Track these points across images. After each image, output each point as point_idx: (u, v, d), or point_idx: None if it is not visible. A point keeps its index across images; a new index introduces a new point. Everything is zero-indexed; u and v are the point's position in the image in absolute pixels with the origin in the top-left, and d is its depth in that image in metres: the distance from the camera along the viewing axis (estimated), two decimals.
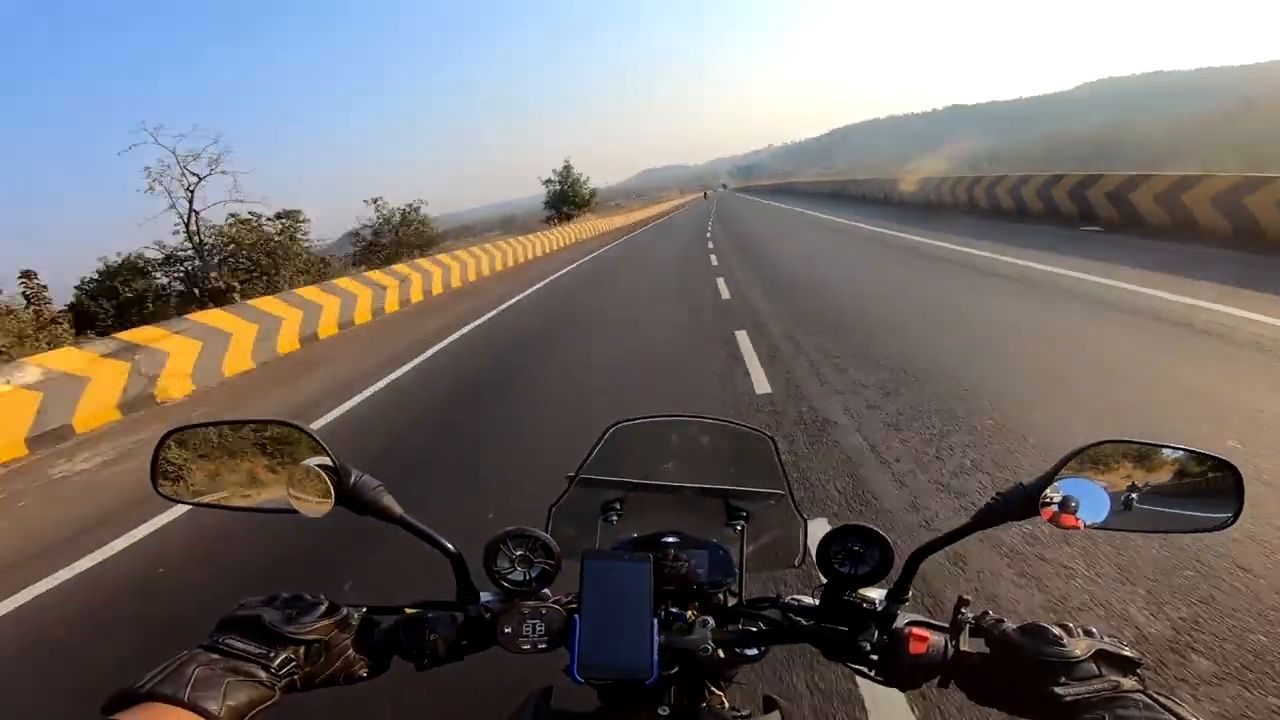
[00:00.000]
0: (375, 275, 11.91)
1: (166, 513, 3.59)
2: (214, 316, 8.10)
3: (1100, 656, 0.54)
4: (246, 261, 17.75)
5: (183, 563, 3.12)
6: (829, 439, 3.45)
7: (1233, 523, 0.61)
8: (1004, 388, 3.88)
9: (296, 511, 0.63)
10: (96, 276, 17.63)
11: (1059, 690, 0.52)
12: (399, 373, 6.55)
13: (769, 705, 0.77)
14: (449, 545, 0.67)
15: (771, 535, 0.87)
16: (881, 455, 3.19)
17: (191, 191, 17.50)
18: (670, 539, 0.77)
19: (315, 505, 0.63)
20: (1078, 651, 0.54)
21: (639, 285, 11.20)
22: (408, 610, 0.68)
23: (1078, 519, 0.59)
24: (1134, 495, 0.60)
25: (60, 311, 14.65)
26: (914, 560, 0.67)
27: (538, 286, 12.50)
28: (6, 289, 13.59)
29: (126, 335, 6.98)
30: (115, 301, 16.93)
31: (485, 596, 0.69)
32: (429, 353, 7.38)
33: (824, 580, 0.69)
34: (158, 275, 18.10)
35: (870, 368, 4.55)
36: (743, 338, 5.84)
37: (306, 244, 19.17)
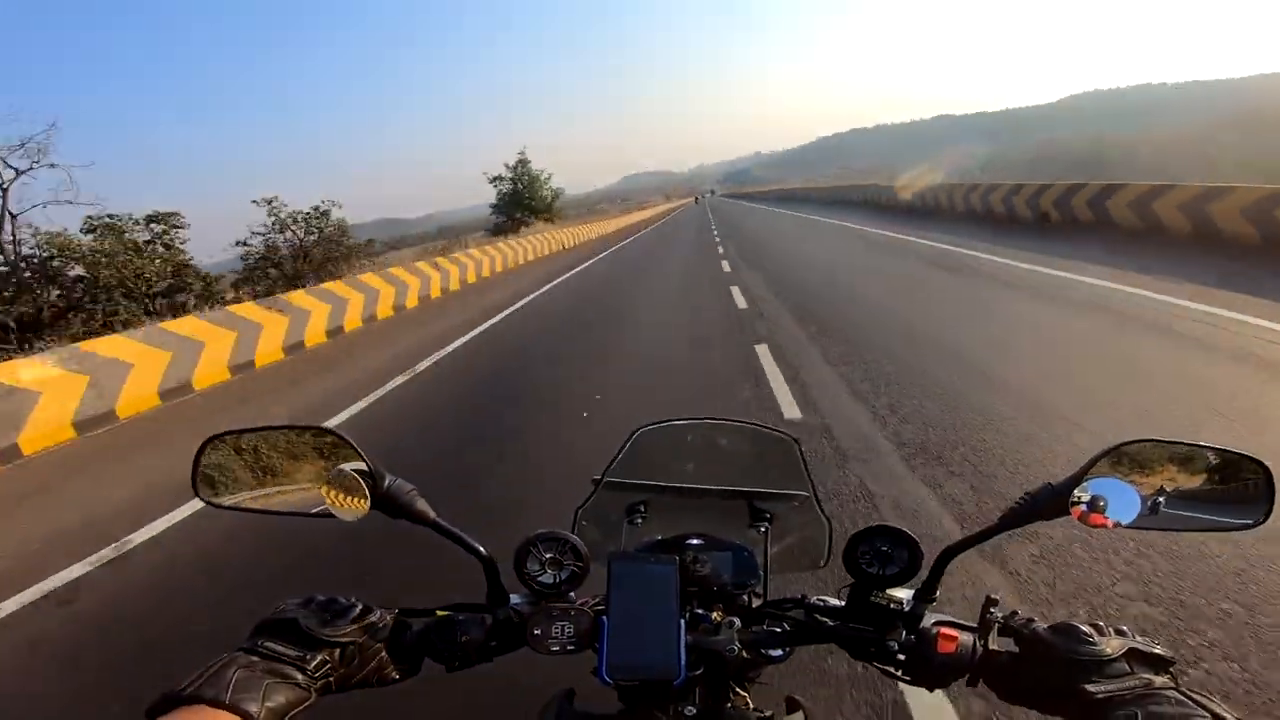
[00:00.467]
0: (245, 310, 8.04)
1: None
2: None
3: (1132, 655, 0.55)
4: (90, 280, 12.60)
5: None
6: None
7: (1263, 522, 0.61)
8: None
9: (333, 515, 0.64)
10: None
11: (1090, 687, 0.53)
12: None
13: (792, 706, 0.77)
14: (480, 548, 0.68)
15: (796, 537, 0.88)
16: None
17: (5, 189, 12.71)
18: (695, 541, 0.78)
19: (351, 509, 0.64)
20: (1109, 650, 0.55)
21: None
22: (439, 612, 0.68)
23: (1107, 518, 0.60)
24: (1163, 495, 0.61)
25: None
26: (942, 560, 0.67)
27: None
28: None
29: None
30: None
31: (514, 599, 0.70)
32: None
33: (850, 581, 0.70)
34: None
35: None
36: None
37: (184, 256, 14.62)
